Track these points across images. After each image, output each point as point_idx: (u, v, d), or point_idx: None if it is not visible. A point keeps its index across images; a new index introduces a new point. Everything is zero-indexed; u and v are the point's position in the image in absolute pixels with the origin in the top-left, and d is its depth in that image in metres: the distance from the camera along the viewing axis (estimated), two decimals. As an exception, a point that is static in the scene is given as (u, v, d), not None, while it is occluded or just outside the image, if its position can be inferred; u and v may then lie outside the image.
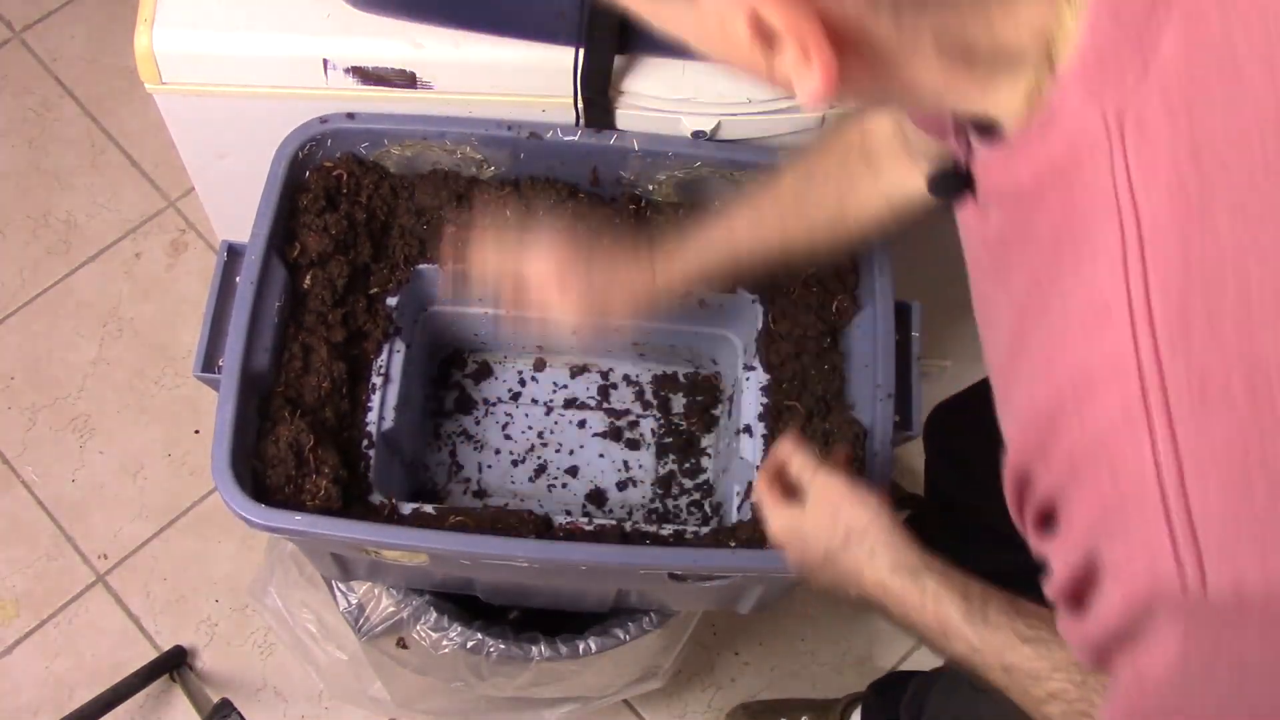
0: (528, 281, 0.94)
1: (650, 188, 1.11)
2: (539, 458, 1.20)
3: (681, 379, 1.23)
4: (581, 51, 1.02)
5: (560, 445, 1.20)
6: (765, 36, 0.48)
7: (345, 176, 1.09)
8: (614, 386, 1.23)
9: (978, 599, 0.74)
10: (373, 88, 1.07)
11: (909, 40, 0.49)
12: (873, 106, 0.62)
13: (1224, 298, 0.49)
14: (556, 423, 1.21)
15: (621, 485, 1.19)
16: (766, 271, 0.97)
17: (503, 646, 1.18)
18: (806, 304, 1.08)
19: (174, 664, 1.57)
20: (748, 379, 1.09)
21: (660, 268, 0.95)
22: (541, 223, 0.98)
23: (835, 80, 0.48)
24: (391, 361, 1.07)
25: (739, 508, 1.06)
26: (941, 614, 0.75)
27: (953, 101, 0.54)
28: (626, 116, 1.09)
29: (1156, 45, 0.49)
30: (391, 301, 1.09)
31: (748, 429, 1.06)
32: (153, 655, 1.58)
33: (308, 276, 1.05)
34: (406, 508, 1.00)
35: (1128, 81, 0.50)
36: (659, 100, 1.07)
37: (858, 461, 1.00)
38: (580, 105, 1.06)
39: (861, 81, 0.51)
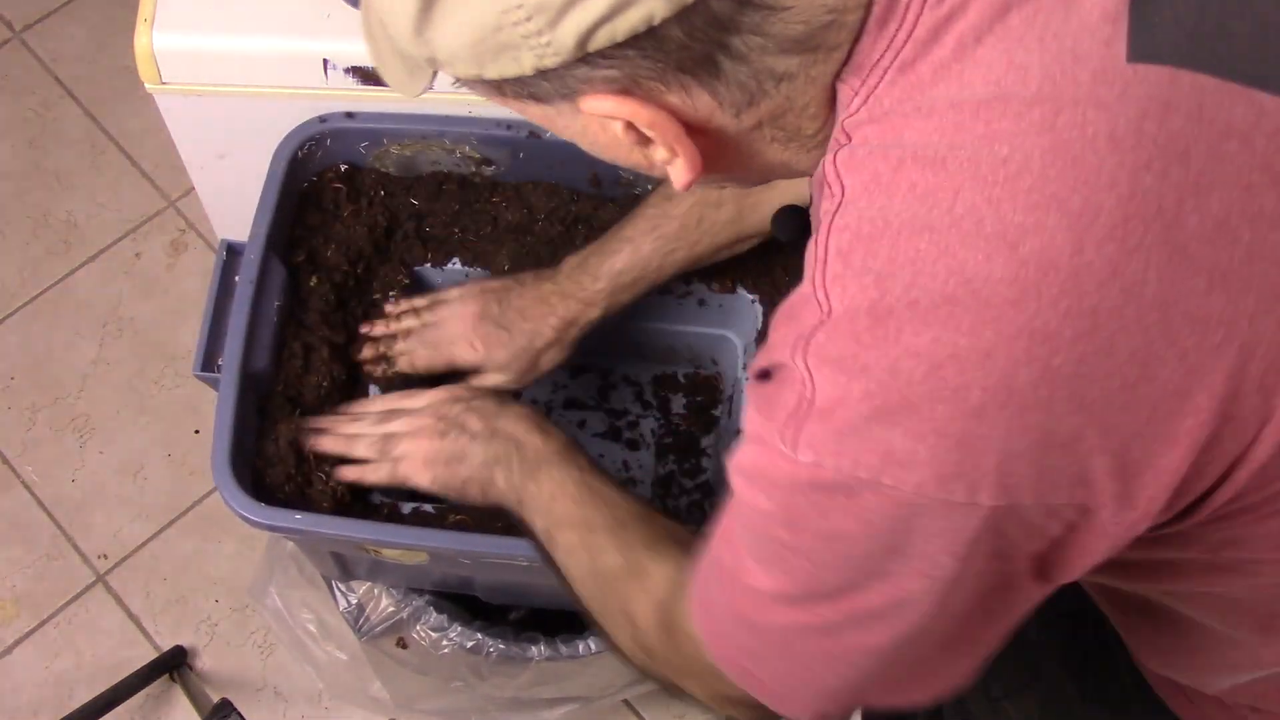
0: (447, 352, 1.04)
1: (650, 186, 1.11)
2: (539, 458, 1.20)
3: (681, 379, 1.23)
4: None
5: (560, 445, 1.20)
6: (640, 138, 0.57)
7: (347, 180, 1.09)
8: (614, 386, 1.23)
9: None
10: (373, 87, 1.07)
11: (751, 131, 0.58)
12: (740, 184, 0.70)
13: None
14: (556, 423, 1.21)
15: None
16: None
17: (503, 646, 1.18)
18: (806, 304, 1.08)
19: (174, 664, 1.57)
20: (748, 379, 1.09)
21: (572, 295, 1.02)
22: (444, 296, 1.06)
23: (700, 167, 0.58)
24: (391, 361, 1.07)
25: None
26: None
27: (800, 171, 0.63)
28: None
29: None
30: (392, 302, 1.09)
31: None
32: (153, 655, 1.58)
33: (311, 279, 1.05)
34: (406, 507, 1.00)
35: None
36: (659, 100, 1.07)
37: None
38: None
39: (723, 165, 0.60)
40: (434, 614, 1.18)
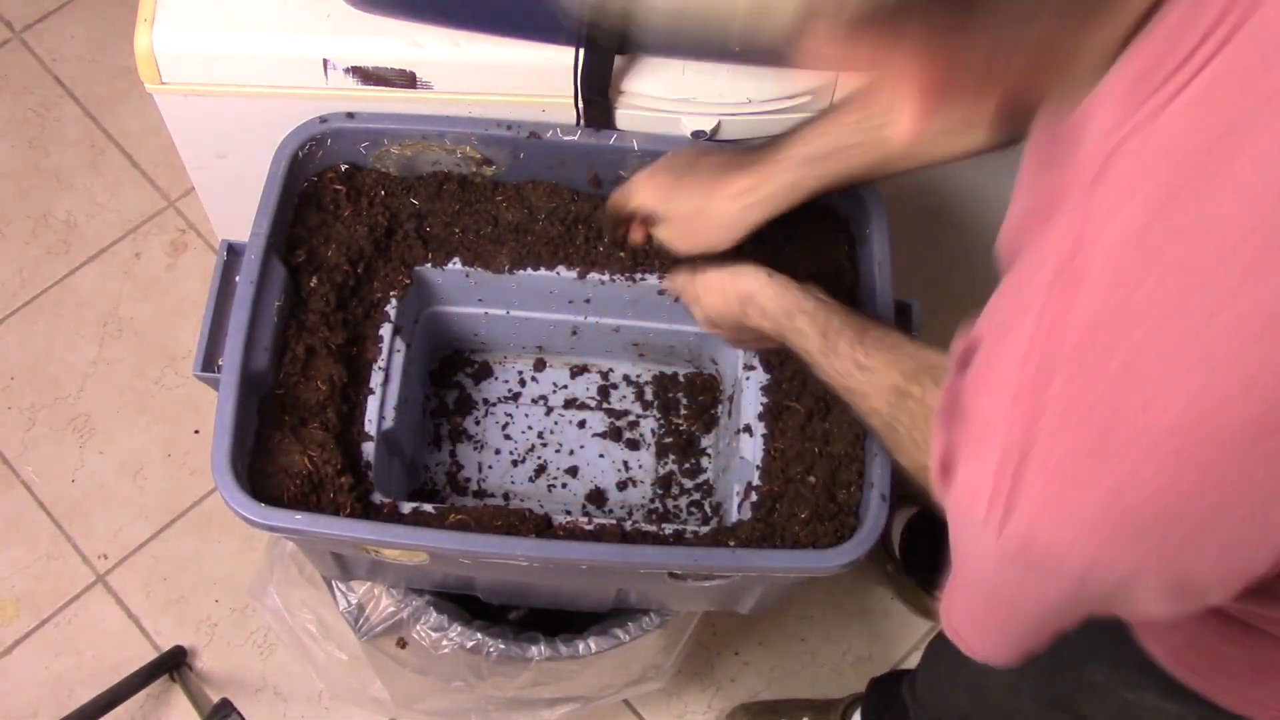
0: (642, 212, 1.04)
1: (650, 188, 1.11)
2: (539, 458, 1.20)
3: (681, 379, 1.23)
4: (582, 52, 1.02)
5: (560, 445, 1.20)
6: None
7: (347, 180, 1.09)
8: (614, 386, 1.23)
9: (833, 334, 0.89)
10: (372, 88, 1.07)
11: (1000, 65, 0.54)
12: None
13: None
14: (556, 423, 1.21)
15: (621, 485, 1.19)
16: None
17: (503, 646, 1.18)
18: (806, 304, 1.08)
19: (174, 664, 1.57)
20: (748, 379, 1.09)
21: (757, 172, 0.98)
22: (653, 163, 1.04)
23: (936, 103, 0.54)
24: (391, 361, 1.07)
25: (739, 507, 1.06)
26: (808, 348, 0.91)
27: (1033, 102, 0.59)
28: (626, 116, 1.09)
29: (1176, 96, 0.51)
30: (392, 302, 1.09)
31: (748, 429, 1.06)
32: (153, 655, 1.58)
33: (312, 279, 1.05)
34: (406, 507, 1.00)
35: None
36: (659, 100, 1.07)
37: (857, 463, 1.00)
38: (580, 105, 1.06)
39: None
40: (434, 614, 1.18)
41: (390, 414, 1.05)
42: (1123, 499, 0.51)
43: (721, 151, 1.01)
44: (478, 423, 1.21)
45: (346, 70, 1.06)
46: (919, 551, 1.62)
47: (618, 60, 1.04)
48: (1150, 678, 0.84)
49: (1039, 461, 0.53)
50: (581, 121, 1.08)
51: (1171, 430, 0.49)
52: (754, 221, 1.00)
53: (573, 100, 1.07)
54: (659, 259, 1.11)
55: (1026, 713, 1.02)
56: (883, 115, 0.93)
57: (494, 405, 1.22)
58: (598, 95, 1.05)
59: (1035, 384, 0.53)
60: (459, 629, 1.18)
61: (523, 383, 1.23)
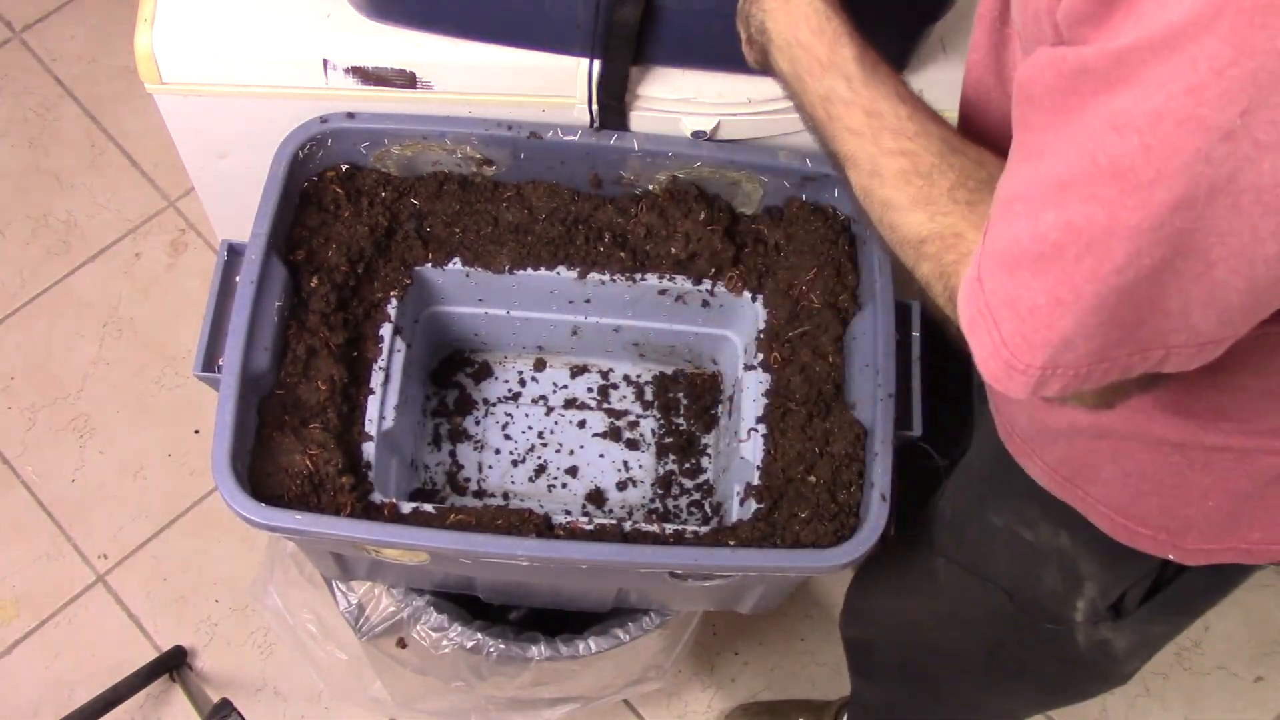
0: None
1: (650, 187, 1.12)
2: (539, 458, 1.20)
3: (681, 379, 1.23)
4: (598, 62, 1.03)
5: (560, 445, 1.21)
6: None
7: (347, 181, 1.09)
8: (614, 386, 1.24)
9: (873, 53, 0.76)
10: (373, 88, 1.07)
11: None
12: None
13: None
14: (556, 423, 1.21)
15: (621, 485, 1.19)
16: None
17: (503, 646, 1.18)
18: (807, 304, 1.08)
19: (174, 664, 1.57)
20: (748, 379, 1.09)
21: None
22: None
23: None
24: (392, 362, 1.07)
25: (739, 507, 1.06)
26: (836, 54, 0.76)
27: None
28: (629, 117, 1.09)
29: None
30: (392, 302, 1.09)
31: (748, 429, 1.06)
32: (153, 655, 1.58)
33: (312, 279, 1.05)
34: (406, 507, 1.00)
35: None
36: (659, 101, 1.07)
37: (858, 463, 1.00)
38: (595, 110, 1.07)
39: None
40: (434, 614, 1.18)
41: (390, 414, 1.05)
42: None
43: None
44: (478, 423, 1.21)
45: (346, 70, 1.06)
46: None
47: (622, 65, 1.05)
48: (1041, 506, 0.90)
49: None
50: (596, 124, 1.08)
51: None
52: None
53: (578, 103, 1.07)
54: (659, 259, 1.11)
55: (950, 590, 1.07)
56: None
57: (494, 405, 1.22)
58: (614, 100, 1.06)
59: None
60: (459, 629, 1.18)
61: (523, 383, 1.23)
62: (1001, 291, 0.59)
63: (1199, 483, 0.80)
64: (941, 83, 1.04)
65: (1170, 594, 0.93)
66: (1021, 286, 0.58)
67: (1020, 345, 0.59)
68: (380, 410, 1.05)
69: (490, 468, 1.19)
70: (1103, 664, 1.03)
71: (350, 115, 1.07)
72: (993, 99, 0.78)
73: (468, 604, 1.23)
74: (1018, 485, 0.91)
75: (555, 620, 1.25)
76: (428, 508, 1.00)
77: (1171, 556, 0.86)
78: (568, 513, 1.11)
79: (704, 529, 1.02)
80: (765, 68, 0.86)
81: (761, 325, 1.10)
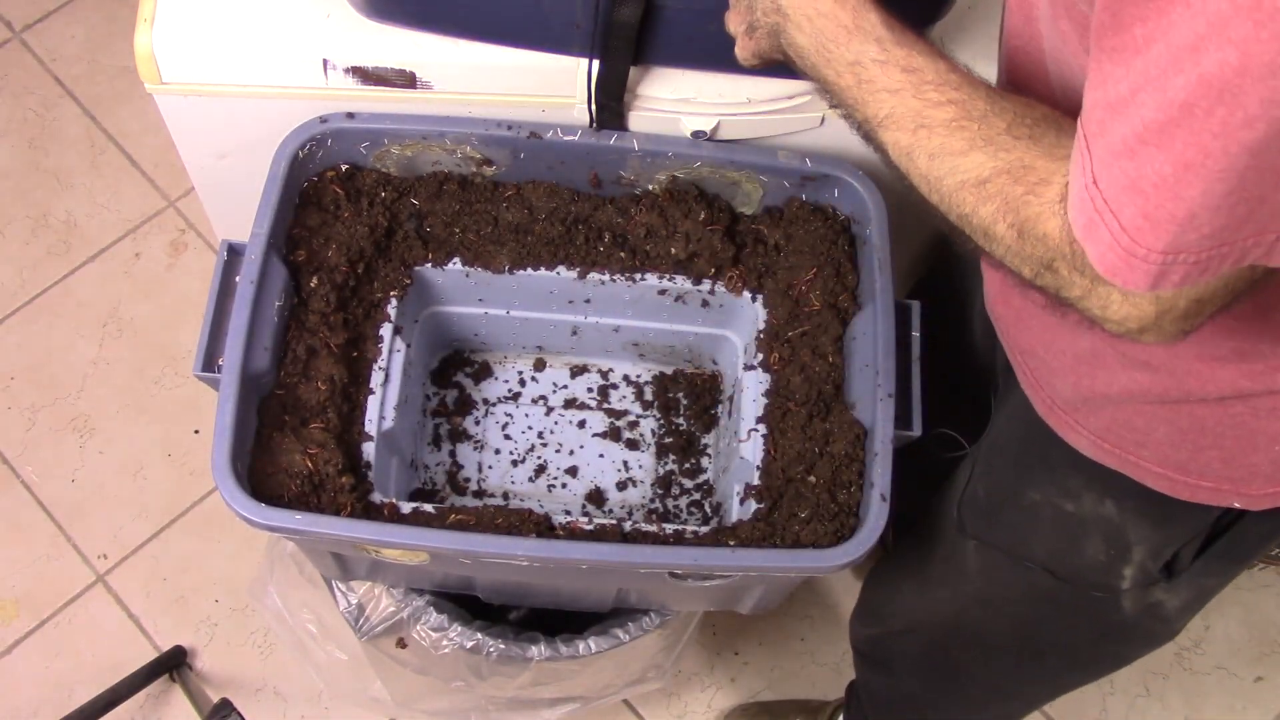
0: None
1: (650, 187, 1.12)
2: (539, 458, 1.20)
3: (681, 379, 1.23)
4: (597, 62, 1.03)
5: (560, 445, 1.21)
6: None
7: (347, 181, 1.09)
8: (614, 386, 1.24)
9: (897, 18, 0.75)
10: (373, 88, 1.07)
11: None
12: None
13: None
14: (556, 423, 1.22)
15: (621, 485, 1.19)
16: None
17: (503, 646, 1.18)
18: (807, 304, 1.08)
19: (174, 664, 1.57)
20: (747, 379, 1.09)
21: None
22: None
23: None
24: (391, 361, 1.07)
25: (739, 507, 1.06)
26: (863, 19, 0.75)
27: None
28: (628, 117, 1.09)
29: None
30: (392, 302, 1.09)
31: (748, 429, 1.06)
32: (153, 655, 1.58)
33: (312, 279, 1.05)
34: (406, 507, 1.00)
35: None
36: (659, 101, 1.08)
37: (858, 463, 1.00)
38: (594, 110, 1.07)
39: None
40: (434, 614, 1.18)
41: (390, 414, 1.05)
42: None
43: None
44: (478, 423, 1.21)
45: (346, 70, 1.06)
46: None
47: (622, 65, 1.05)
48: (1084, 476, 0.89)
49: None
50: (594, 124, 1.08)
51: None
52: None
53: (578, 103, 1.07)
54: (659, 259, 1.11)
55: (981, 574, 1.06)
56: None
57: (494, 405, 1.22)
58: (613, 100, 1.06)
59: None
60: (459, 629, 1.18)
61: (523, 383, 1.23)
62: (1122, 178, 0.57)
63: (1266, 429, 0.79)
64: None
65: (1226, 543, 0.92)
66: (1145, 163, 0.55)
67: (1143, 227, 0.57)
68: (380, 410, 1.05)
69: (490, 468, 1.19)
70: (1152, 625, 1.02)
71: (350, 115, 1.07)
72: (1032, 51, 0.77)
73: (468, 604, 1.23)
74: (1055, 459, 0.91)
75: (555, 620, 1.25)
76: (428, 508, 1.00)
77: (1236, 504, 0.85)
78: (568, 513, 1.11)
79: (704, 529, 1.02)
80: (768, 57, 0.84)
81: (761, 325, 1.10)
